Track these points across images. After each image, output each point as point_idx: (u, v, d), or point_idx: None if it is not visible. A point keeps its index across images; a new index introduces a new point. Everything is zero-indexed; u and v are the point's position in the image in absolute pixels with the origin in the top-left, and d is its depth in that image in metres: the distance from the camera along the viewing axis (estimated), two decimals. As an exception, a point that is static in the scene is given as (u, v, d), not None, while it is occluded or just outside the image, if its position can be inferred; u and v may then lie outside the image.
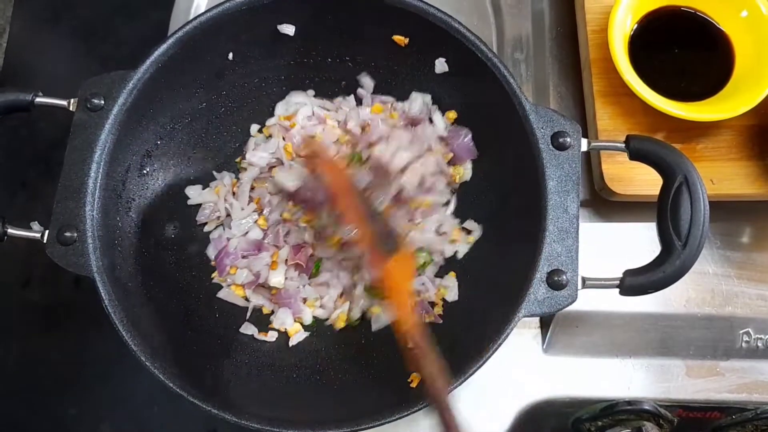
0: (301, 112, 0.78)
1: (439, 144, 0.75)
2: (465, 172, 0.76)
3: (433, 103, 0.77)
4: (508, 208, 0.71)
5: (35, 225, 0.63)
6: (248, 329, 0.73)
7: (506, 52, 0.90)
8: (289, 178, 0.73)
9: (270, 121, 0.79)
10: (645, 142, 0.64)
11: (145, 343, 0.60)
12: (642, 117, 0.78)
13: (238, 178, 0.78)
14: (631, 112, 0.78)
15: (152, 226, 0.72)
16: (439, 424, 0.55)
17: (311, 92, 0.79)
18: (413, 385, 0.63)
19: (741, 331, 0.78)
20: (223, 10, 0.68)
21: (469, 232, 0.75)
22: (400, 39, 0.73)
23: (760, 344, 0.77)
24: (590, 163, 0.81)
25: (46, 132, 0.87)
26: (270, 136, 0.78)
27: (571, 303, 0.61)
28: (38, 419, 0.79)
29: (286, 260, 0.74)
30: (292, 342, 0.73)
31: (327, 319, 0.74)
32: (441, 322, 0.72)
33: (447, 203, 0.76)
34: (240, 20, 0.69)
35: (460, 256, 0.75)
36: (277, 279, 0.73)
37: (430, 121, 0.76)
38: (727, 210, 0.77)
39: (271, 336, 0.73)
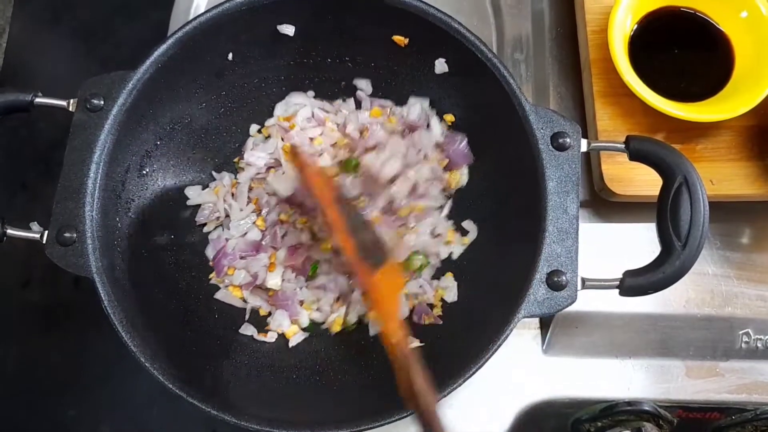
0: (301, 114, 0.78)
1: (435, 151, 0.76)
2: (461, 177, 0.76)
3: (432, 104, 0.77)
4: (507, 209, 0.71)
5: (35, 225, 0.63)
6: (248, 330, 0.73)
7: (506, 52, 0.89)
8: (282, 185, 0.74)
9: (269, 122, 0.79)
10: (645, 142, 0.64)
11: (145, 344, 0.60)
12: (642, 117, 0.78)
13: (237, 179, 0.78)
14: (630, 112, 0.78)
15: (152, 226, 0.72)
16: None
17: (311, 93, 0.79)
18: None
19: (740, 332, 0.78)
20: (222, 10, 0.68)
21: (464, 233, 0.75)
22: (399, 39, 0.73)
23: (759, 345, 0.78)
24: (590, 163, 0.81)
25: (46, 132, 0.87)
26: (269, 136, 0.78)
27: (570, 304, 0.61)
28: (38, 420, 0.79)
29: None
30: (292, 343, 0.73)
31: (323, 323, 0.74)
32: (441, 323, 0.72)
33: (441, 207, 0.76)
34: (240, 20, 0.69)
35: (455, 257, 0.75)
36: (274, 281, 0.73)
37: (428, 126, 0.77)
38: (726, 210, 0.77)
39: (271, 337, 0.73)
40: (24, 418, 0.79)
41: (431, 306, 0.73)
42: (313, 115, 0.78)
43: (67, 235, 0.61)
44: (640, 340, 0.78)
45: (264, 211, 0.75)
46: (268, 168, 0.78)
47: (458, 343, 0.66)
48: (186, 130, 0.74)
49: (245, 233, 0.75)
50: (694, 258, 0.60)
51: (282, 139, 0.77)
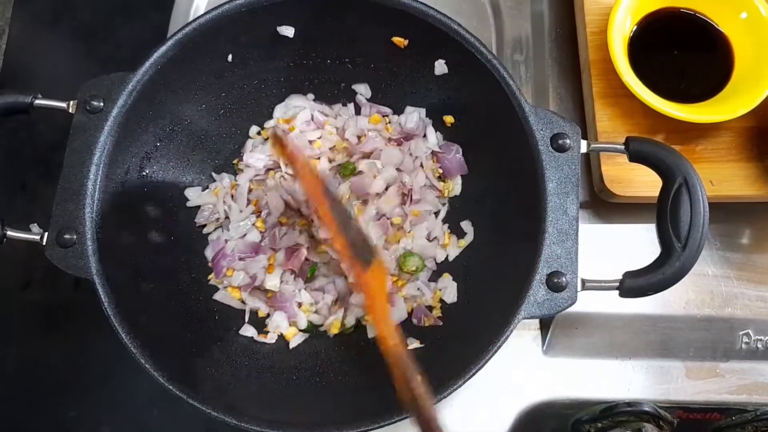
0: (300, 117, 0.78)
1: (430, 159, 0.77)
2: (455, 186, 0.77)
3: (432, 106, 0.77)
4: (507, 210, 0.71)
5: (34, 227, 0.63)
6: (248, 331, 0.73)
7: (506, 53, 0.90)
8: (275, 201, 0.74)
9: (269, 124, 0.79)
10: (644, 143, 0.64)
11: (145, 345, 0.60)
12: (641, 118, 0.78)
13: (236, 180, 0.78)
14: (630, 113, 0.78)
15: (152, 227, 0.72)
16: None
17: (311, 96, 0.79)
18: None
19: (741, 333, 0.78)
20: (222, 11, 0.68)
21: (461, 235, 0.75)
22: (399, 41, 0.73)
23: (759, 345, 0.78)
24: (590, 164, 0.81)
25: (46, 134, 0.87)
26: (268, 138, 0.78)
27: (570, 305, 0.61)
28: (38, 421, 0.79)
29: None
30: (292, 344, 0.73)
31: (321, 325, 0.74)
32: (441, 324, 0.72)
33: (437, 212, 0.77)
34: (239, 22, 0.69)
35: (451, 259, 0.75)
36: (272, 282, 0.73)
37: (424, 136, 0.77)
38: (726, 211, 0.77)
39: (271, 338, 0.73)
40: (24, 418, 0.79)
41: (430, 308, 0.73)
42: (312, 118, 0.78)
43: (67, 236, 0.61)
44: (640, 341, 0.78)
45: (264, 213, 0.76)
46: (267, 170, 0.78)
47: (458, 344, 0.66)
48: (185, 132, 0.74)
49: (244, 234, 0.75)
50: (694, 259, 0.60)
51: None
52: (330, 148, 0.77)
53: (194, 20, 0.67)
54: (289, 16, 0.72)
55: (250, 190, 0.77)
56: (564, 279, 0.61)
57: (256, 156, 0.77)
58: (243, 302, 0.74)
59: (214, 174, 0.78)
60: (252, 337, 0.73)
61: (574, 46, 0.85)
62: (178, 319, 0.70)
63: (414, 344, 0.70)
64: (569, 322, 0.77)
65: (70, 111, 0.65)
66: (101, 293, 0.60)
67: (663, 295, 0.64)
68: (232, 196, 0.77)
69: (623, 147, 0.64)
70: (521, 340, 0.78)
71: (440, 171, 0.77)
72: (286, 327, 0.73)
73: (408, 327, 0.72)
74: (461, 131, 0.77)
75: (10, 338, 0.82)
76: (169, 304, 0.70)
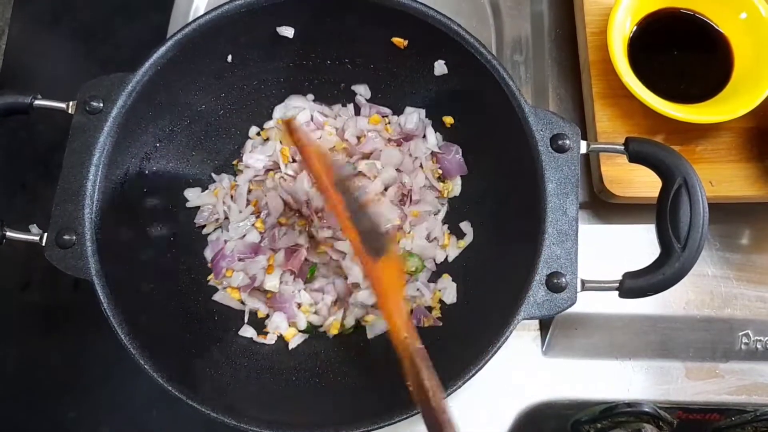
0: (300, 117, 0.78)
1: (430, 160, 0.77)
2: (454, 187, 0.77)
3: (431, 106, 0.77)
4: (507, 210, 0.71)
5: (34, 228, 0.63)
6: (247, 332, 0.73)
7: (505, 54, 0.90)
8: (274, 202, 0.74)
9: (268, 124, 0.79)
10: (644, 144, 0.64)
11: (144, 346, 0.60)
12: (641, 119, 0.78)
13: (235, 181, 0.78)
14: (630, 114, 0.78)
15: (151, 228, 0.72)
16: None
17: (310, 97, 0.79)
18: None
19: (740, 333, 0.78)
20: (222, 12, 0.68)
21: (461, 235, 0.75)
22: (399, 41, 0.73)
23: (759, 346, 0.77)
24: (589, 165, 0.81)
25: (46, 134, 0.87)
26: (268, 139, 0.78)
27: (570, 305, 0.61)
28: (37, 421, 0.79)
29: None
30: (292, 345, 0.73)
31: (321, 326, 0.74)
32: (441, 324, 0.72)
33: (437, 212, 0.77)
34: (239, 22, 0.69)
35: (450, 259, 0.75)
36: (272, 283, 0.73)
37: (424, 136, 0.77)
38: (726, 212, 0.77)
39: (270, 339, 0.73)
40: (24, 419, 0.79)
41: (430, 309, 0.73)
42: (312, 119, 0.78)
43: (66, 237, 0.61)
44: (639, 341, 0.78)
45: (263, 213, 0.76)
46: (267, 170, 0.78)
47: (458, 345, 0.66)
48: (185, 132, 0.74)
49: (244, 235, 0.75)
50: (694, 260, 0.60)
51: (281, 142, 0.77)
52: (330, 149, 0.77)
53: (194, 21, 0.67)
54: (289, 17, 0.72)
55: (249, 191, 0.77)
56: (564, 280, 0.61)
57: (256, 156, 0.77)
58: (242, 303, 0.74)
59: (213, 174, 0.78)
60: (251, 338, 0.73)
61: (574, 47, 0.85)
62: (178, 320, 0.70)
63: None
64: (569, 323, 0.77)
65: (70, 111, 0.65)
66: (100, 294, 0.60)
67: (663, 296, 0.64)
68: (232, 197, 0.77)
69: (623, 147, 0.64)
70: (521, 341, 0.78)
71: (440, 171, 0.77)
72: (285, 328, 0.73)
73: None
74: (461, 132, 0.77)
75: (9, 339, 0.82)
76: (169, 305, 0.70)
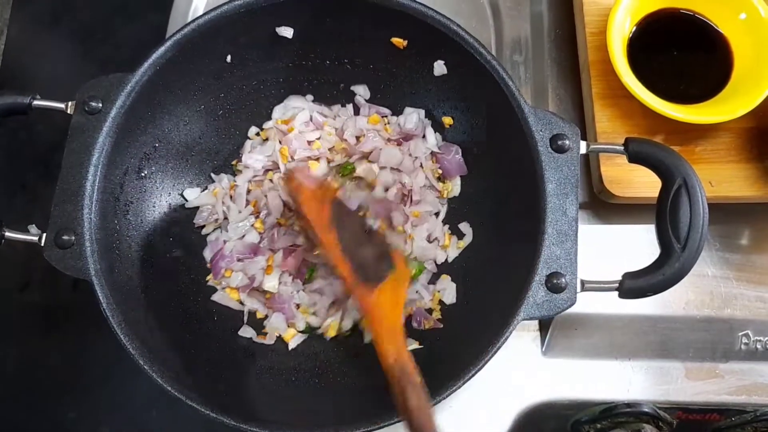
0: (299, 117, 0.78)
1: (429, 160, 0.77)
2: (454, 187, 0.77)
3: (431, 107, 0.77)
4: (506, 211, 0.71)
5: (33, 228, 0.63)
6: (247, 332, 0.73)
7: (505, 54, 0.90)
8: (275, 201, 0.74)
9: (267, 125, 0.79)
10: (644, 144, 0.64)
11: (144, 347, 0.60)
12: (641, 119, 0.78)
13: (235, 181, 0.78)
14: (629, 114, 0.78)
15: (150, 228, 0.72)
16: None
17: (310, 97, 0.79)
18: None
19: (740, 333, 0.78)
20: (221, 12, 0.68)
21: (461, 236, 0.75)
22: (398, 41, 0.73)
23: (759, 346, 0.77)
24: (589, 165, 0.81)
25: (45, 134, 0.87)
26: (267, 139, 0.78)
27: (570, 306, 0.61)
28: (37, 422, 0.79)
29: (282, 265, 0.74)
30: (291, 345, 0.73)
31: (319, 328, 0.74)
32: (441, 326, 0.72)
33: (437, 212, 0.77)
34: (238, 23, 0.69)
35: (450, 260, 0.75)
36: (271, 283, 0.73)
37: (423, 136, 0.77)
38: (726, 212, 0.77)
39: (270, 339, 0.73)
40: (24, 419, 0.79)
41: (430, 310, 0.73)
42: (311, 119, 0.78)
43: (65, 237, 0.61)
44: (639, 341, 0.78)
45: (262, 214, 0.75)
46: (266, 170, 0.78)
47: (457, 345, 0.66)
48: (184, 132, 0.74)
49: (243, 235, 0.75)
50: (694, 260, 0.60)
51: (280, 142, 0.77)
52: (329, 149, 0.77)
53: (193, 21, 0.67)
54: (288, 17, 0.72)
55: (248, 191, 0.77)
56: (563, 280, 0.60)
57: (255, 157, 0.77)
58: (241, 303, 0.74)
59: (212, 175, 0.78)
60: (251, 338, 0.73)
61: (574, 47, 0.85)
62: (177, 320, 0.69)
63: (413, 345, 0.70)
64: (569, 323, 0.77)
65: (69, 112, 0.64)
66: (99, 294, 0.60)
67: (662, 296, 0.64)
68: (231, 197, 0.77)
69: (622, 148, 0.64)
70: (521, 341, 0.78)
71: (440, 172, 0.77)
72: (284, 329, 0.73)
73: (407, 329, 0.72)
74: (460, 132, 0.77)
75: (9, 339, 0.82)
76: (168, 305, 0.70)
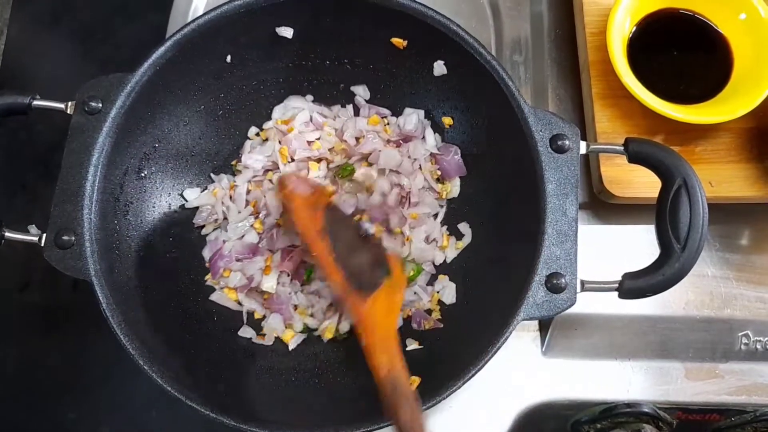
0: (299, 118, 0.78)
1: (428, 162, 0.77)
2: (453, 189, 0.77)
3: (431, 107, 0.77)
4: (506, 211, 0.71)
5: (33, 228, 0.63)
6: (246, 332, 0.73)
7: (505, 54, 0.89)
8: (275, 202, 0.74)
9: (267, 125, 0.79)
10: (644, 144, 0.64)
11: (144, 347, 0.60)
12: (641, 119, 0.78)
13: (234, 181, 0.78)
14: (629, 114, 0.78)
15: (150, 228, 0.72)
16: None
17: (309, 97, 0.79)
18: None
19: (740, 334, 0.78)
20: (221, 12, 0.68)
21: (459, 236, 0.75)
22: (398, 42, 0.73)
23: (758, 346, 0.77)
24: (589, 165, 0.81)
25: (45, 135, 0.87)
26: (267, 139, 0.78)
27: (570, 306, 0.61)
28: (37, 422, 0.79)
29: (281, 265, 0.74)
30: (291, 345, 0.73)
31: (316, 329, 0.74)
32: (441, 326, 0.72)
33: (436, 214, 0.77)
34: (238, 23, 0.69)
35: (449, 261, 0.75)
36: (269, 284, 0.73)
37: (423, 138, 0.77)
38: (726, 212, 0.77)
39: (268, 340, 0.72)
40: (24, 419, 0.79)
41: (429, 311, 0.73)
42: (311, 120, 0.78)
43: (65, 238, 0.61)
44: (639, 341, 0.78)
45: (262, 214, 0.75)
46: (266, 171, 0.78)
47: (457, 346, 0.66)
48: (184, 132, 0.74)
49: (242, 236, 0.75)
50: (694, 260, 0.60)
51: (279, 142, 0.77)
52: (329, 150, 0.77)
53: (193, 21, 0.67)
54: (288, 17, 0.72)
55: (248, 191, 0.77)
56: (563, 280, 0.61)
57: (255, 157, 0.77)
58: (239, 303, 0.74)
59: (212, 175, 0.78)
60: (251, 339, 0.73)
61: (574, 47, 0.85)
62: (177, 320, 0.70)
63: (413, 345, 0.70)
64: (568, 323, 0.77)
65: (69, 112, 0.64)
66: (99, 294, 0.60)
67: (662, 296, 0.64)
68: (231, 197, 0.77)
69: (622, 148, 0.64)
70: (520, 341, 0.78)
71: (439, 173, 0.77)
72: (282, 329, 0.73)
73: (407, 329, 0.72)
74: (460, 133, 0.77)
75: (9, 339, 0.82)
76: (168, 306, 0.70)
